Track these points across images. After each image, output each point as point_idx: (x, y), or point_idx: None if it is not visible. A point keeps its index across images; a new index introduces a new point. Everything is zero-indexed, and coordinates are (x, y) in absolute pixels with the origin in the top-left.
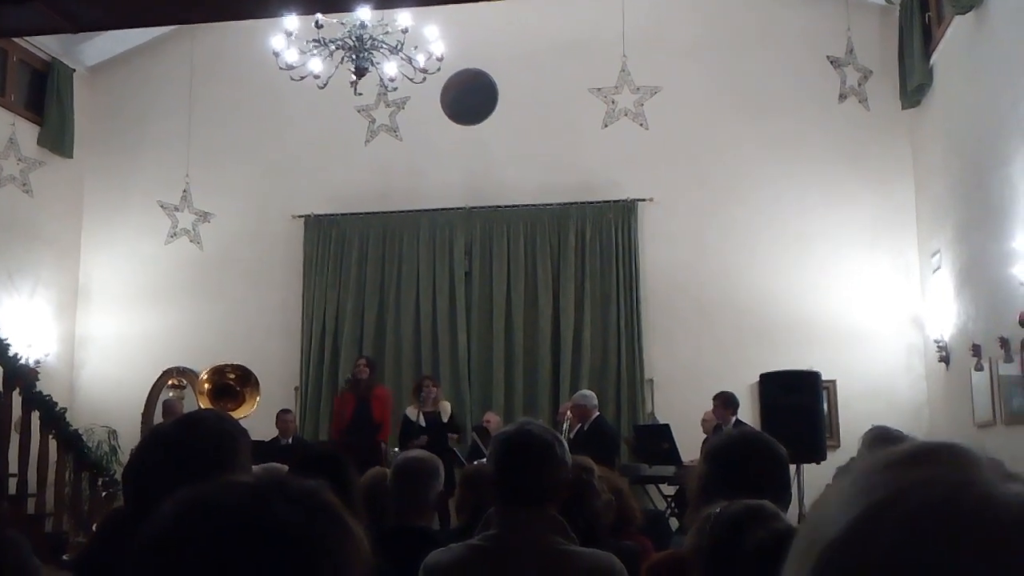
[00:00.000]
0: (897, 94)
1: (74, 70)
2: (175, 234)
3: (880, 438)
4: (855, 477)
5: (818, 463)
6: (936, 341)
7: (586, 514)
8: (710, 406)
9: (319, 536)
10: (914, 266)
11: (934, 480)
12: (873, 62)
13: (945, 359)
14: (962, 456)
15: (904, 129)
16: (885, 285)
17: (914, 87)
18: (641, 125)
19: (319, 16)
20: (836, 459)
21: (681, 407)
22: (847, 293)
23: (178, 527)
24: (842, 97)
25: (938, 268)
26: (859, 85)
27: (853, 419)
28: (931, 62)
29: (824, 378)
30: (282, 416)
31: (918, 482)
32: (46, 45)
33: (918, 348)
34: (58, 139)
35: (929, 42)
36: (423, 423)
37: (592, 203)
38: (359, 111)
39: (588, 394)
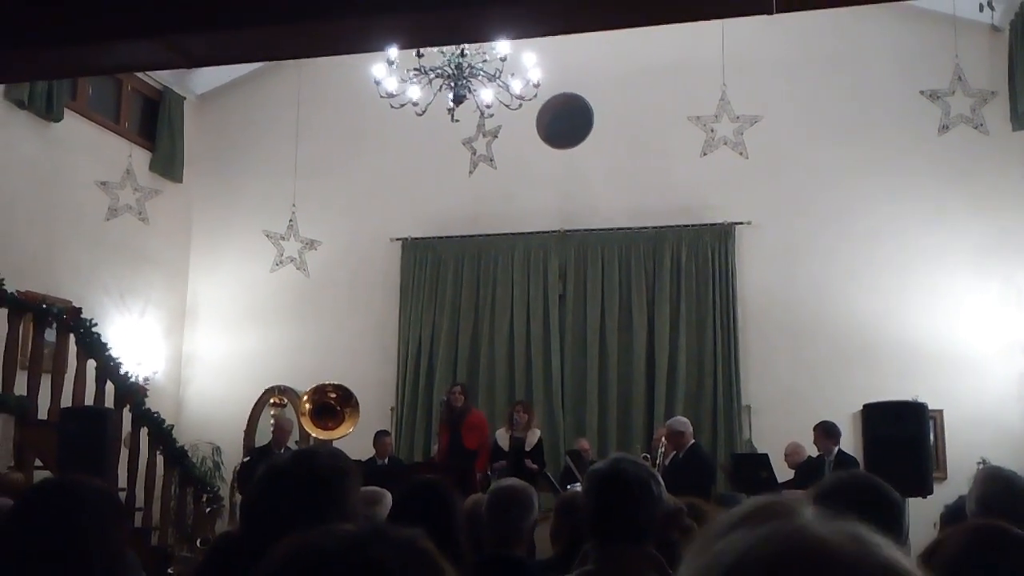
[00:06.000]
0: (1008, 116)
1: (184, 98)
2: (280, 262)
3: (992, 478)
4: (718, 531)
5: (924, 497)
6: None
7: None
8: (810, 434)
9: None
10: None
11: (775, 531)
12: (982, 83)
13: None
14: (789, 508)
15: (1016, 151)
16: (994, 311)
17: None
18: (741, 154)
19: None
20: (943, 492)
21: (779, 434)
22: (953, 319)
23: (284, 570)
24: (944, 128)
25: None
26: (973, 111)
27: (960, 451)
28: None
29: (930, 407)
30: (380, 438)
31: (763, 535)
32: (158, 74)
33: None
34: (169, 165)
35: None
36: (506, 448)
37: (688, 226)
38: (463, 144)
39: (683, 420)
